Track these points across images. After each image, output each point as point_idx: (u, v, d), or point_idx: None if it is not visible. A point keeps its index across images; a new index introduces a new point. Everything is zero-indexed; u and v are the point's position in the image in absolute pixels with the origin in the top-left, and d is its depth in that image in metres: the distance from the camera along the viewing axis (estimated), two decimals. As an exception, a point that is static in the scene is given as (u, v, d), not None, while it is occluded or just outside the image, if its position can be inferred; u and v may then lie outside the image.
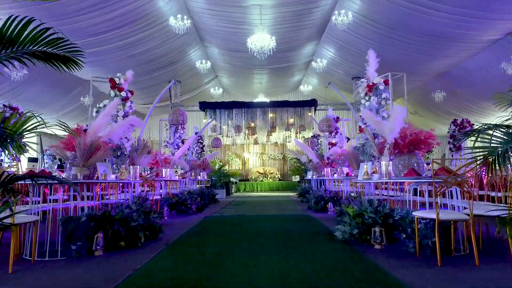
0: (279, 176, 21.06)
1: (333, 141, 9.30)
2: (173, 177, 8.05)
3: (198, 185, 12.74)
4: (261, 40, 11.42)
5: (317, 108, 15.67)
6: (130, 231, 4.36)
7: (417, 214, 3.74)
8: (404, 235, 4.00)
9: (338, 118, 8.85)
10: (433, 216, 3.49)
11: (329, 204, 8.07)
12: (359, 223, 4.37)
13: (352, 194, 6.98)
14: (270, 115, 15.32)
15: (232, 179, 17.32)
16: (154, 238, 4.93)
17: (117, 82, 6.65)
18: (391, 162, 4.35)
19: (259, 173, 21.00)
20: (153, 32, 12.83)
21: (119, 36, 12.22)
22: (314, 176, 11.57)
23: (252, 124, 15.73)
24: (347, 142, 10.46)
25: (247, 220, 7.19)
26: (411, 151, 4.45)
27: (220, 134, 16.15)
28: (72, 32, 11.21)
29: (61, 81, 14.40)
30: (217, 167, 14.56)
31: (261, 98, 18.95)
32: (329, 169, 8.58)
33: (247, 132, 17.07)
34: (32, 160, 18.14)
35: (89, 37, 11.80)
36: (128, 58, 14.35)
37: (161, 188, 8.25)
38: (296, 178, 20.88)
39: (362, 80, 7.11)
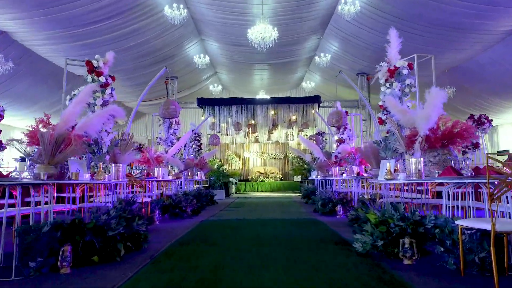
0: (281, 176, 20.29)
1: (341, 138, 8.48)
2: (166, 177, 7.28)
3: (195, 185, 11.98)
4: (263, 31, 10.65)
5: (320, 104, 14.92)
6: (106, 242, 3.59)
7: (462, 223, 2.97)
8: (442, 249, 3.23)
9: (347, 113, 8.07)
10: (486, 226, 2.72)
11: (338, 207, 7.30)
12: (384, 232, 3.59)
13: (365, 196, 6.21)
14: (272, 112, 14.57)
15: (231, 179, 16.55)
16: (137, 249, 4.16)
17: (95, 66, 5.82)
18: (421, 159, 3.57)
19: (260, 173, 20.23)
20: (148, 23, 12.07)
21: (112, 26, 11.46)
22: (319, 176, 10.80)
23: (253, 122, 14.96)
24: (356, 139, 9.65)
25: (248, 225, 6.42)
26: (445, 145, 3.68)
27: (219, 132, 15.39)
28: (62, 21, 10.47)
29: (51, 76, 13.63)
30: (216, 166, 13.80)
31: (262, 96, 18.18)
32: (337, 168, 7.81)
33: (247, 130, 16.31)
34: (22, 159, 17.26)
35: (80, 28, 11.05)
36: (122, 51, 13.56)
37: (154, 189, 7.50)
38: (298, 178, 20.10)
39: (382, 64, 6.27)
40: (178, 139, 9.15)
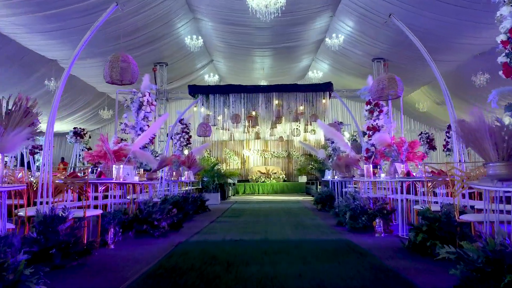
0: (284, 176, 17.96)
1: (375, 126, 6.04)
2: (131, 178, 4.97)
3: (185, 188, 9.67)
4: (266, -5, 8.36)
5: (332, 92, 12.59)
6: None
7: None
8: None
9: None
10: None
11: (377, 221, 4.99)
12: None
13: (426, 208, 3.89)
14: (275, 102, 12.24)
15: (229, 180, 14.22)
16: None
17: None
18: None
19: (261, 173, 17.91)
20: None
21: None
22: (336, 177, 8.50)
23: (253, 113, 12.65)
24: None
25: (247, 254, 4.09)
26: None
27: (215, 125, 13.04)
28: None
29: (17, 58, 11.35)
30: (210, 165, 11.45)
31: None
32: (370, 166, 5.51)
33: (247, 124, 13.97)
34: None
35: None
36: (99, 31, 11.29)
37: (126, 195, 5.21)
38: (303, 179, 17.80)
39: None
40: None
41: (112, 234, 4.39)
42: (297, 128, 14.55)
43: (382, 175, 5.34)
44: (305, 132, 14.71)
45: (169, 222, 5.51)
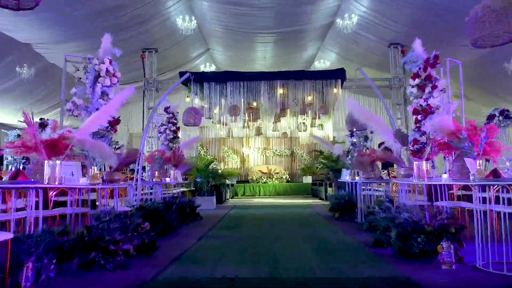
0: (287, 176, 16.21)
1: (425, 107, 4.22)
2: (75, 181, 3.24)
3: (172, 191, 7.95)
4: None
5: (344, 82, 10.89)
6: None
7: None
8: None
9: (437, 57, 4.05)
10: None
11: (445, 245, 3.27)
12: None
13: None
14: (280, 91, 10.53)
15: (227, 181, 12.44)
16: None
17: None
18: None
19: (262, 172, 16.16)
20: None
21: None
22: (357, 177, 6.79)
23: (254, 104, 10.93)
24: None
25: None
26: None
27: (210, 118, 11.33)
28: None
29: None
30: (203, 162, 9.66)
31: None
32: (423, 163, 3.79)
33: (247, 117, 12.24)
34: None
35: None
36: (79, 10, 9.60)
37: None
38: (308, 180, 16.06)
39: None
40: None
41: (30, 271, 2.66)
42: (303, 123, 12.79)
43: (444, 175, 3.62)
44: (312, 127, 12.97)
45: (136, 243, 3.78)
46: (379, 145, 7.32)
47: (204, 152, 16.76)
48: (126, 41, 11.59)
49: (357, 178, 6.86)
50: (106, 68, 3.92)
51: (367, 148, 7.46)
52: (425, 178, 3.85)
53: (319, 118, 11.93)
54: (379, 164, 7.12)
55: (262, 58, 14.97)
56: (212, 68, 15.38)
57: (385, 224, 4.09)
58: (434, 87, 4.12)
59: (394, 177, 6.69)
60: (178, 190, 9.63)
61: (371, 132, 7.29)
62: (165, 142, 7.31)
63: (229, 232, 5.77)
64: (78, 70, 3.95)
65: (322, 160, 9.33)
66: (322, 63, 14.91)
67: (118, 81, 4.03)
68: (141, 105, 12.73)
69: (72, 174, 3.38)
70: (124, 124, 18.05)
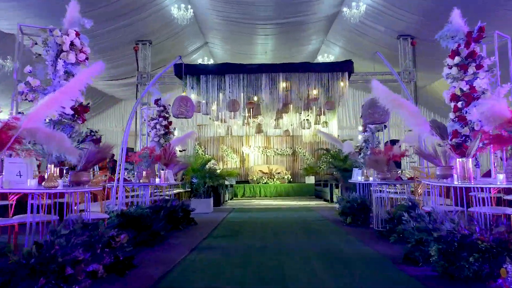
0: (289, 176, 15.37)
1: (467, 91, 3.47)
2: (22, 183, 2.42)
3: (167, 192, 7.16)
4: None
5: (352, 74, 10.08)
6: None
7: None
8: None
9: (483, 29, 3.26)
10: None
11: (508, 268, 2.46)
12: None
13: None
14: (282, 85, 9.71)
15: (226, 182, 11.61)
16: None
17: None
18: None
19: (263, 172, 15.34)
20: None
21: None
22: (372, 178, 5.99)
23: (255, 99, 10.10)
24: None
25: None
26: None
27: (207, 114, 10.49)
28: None
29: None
30: (199, 162, 8.77)
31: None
32: (470, 161, 2.99)
33: (247, 114, 11.41)
34: None
35: None
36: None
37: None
38: (310, 180, 15.25)
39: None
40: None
41: None
42: (307, 119, 11.95)
43: (500, 176, 2.81)
44: (316, 124, 12.14)
45: (108, 261, 2.96)
46: (389, 142, 6.53)
47: (202, 151, 15.95)
48: (117, 31, 10.80)
49: (371, 178, 6.06)
50: (72, 41, 3.10)
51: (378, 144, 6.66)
52: (471, 179, 3.03)
53: (324, 114, 11.11)
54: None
55: (263, 53, 14.16)
56: (211, 61, 14.58)
57: (419, 236, 3.28)
58: (479, 67, 3.31)
59: (413, 178, 5.88)
60: (172, 191, 8.84)
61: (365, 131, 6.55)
62: (155, 138, 6.49)
63: (227, 242, 4.96)
64: (36, 43, 3.13)
65: (329, 159, 8.48)
66: (325, 58, 14.11)
67: (87, 59, 3.22)
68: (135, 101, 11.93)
69: (20, 175, 2.56)
70: (118, 123, 17.28)
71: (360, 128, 6.89)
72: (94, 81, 11.73)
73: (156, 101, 6.64)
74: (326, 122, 12.21)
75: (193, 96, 10.17)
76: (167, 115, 6.67)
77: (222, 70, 9.73)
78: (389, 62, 12.94)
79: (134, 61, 12.06)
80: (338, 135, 14.73)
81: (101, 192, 4.06)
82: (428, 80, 13.24)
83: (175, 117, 6.35)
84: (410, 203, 4.60)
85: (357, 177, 6.63)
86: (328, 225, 6.28)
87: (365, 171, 6.28)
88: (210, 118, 11.46)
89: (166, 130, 6.59)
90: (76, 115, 3.16)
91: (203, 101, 10.04)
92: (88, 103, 3.37)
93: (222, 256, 4.04)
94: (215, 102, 10.15)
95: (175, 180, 6.39)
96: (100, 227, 3.11)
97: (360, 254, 3.94)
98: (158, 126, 6.50)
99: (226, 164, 16.17)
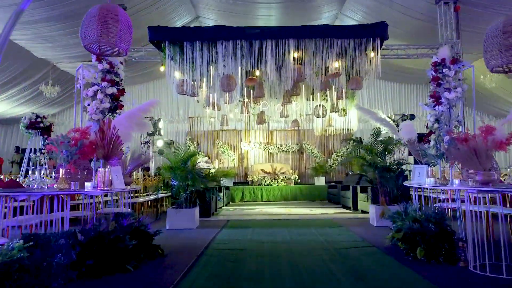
0: (296, 177, 12.81)
1: None
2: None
3: (141, 199, 4.63)
4: None
5: (384, 42, 7.52)
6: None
7: None
8: None
9: None
10: None
11: None
12: None
13: None
14: (293, 55, 7.14)
15: (223, 182, 8.95)
16: None
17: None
18: None
19: (265, 172, 12.77)
20: None
21: None
22: (458, 182, 3.47)
23: (257, 74, 7.56)
24: None
25: None
26: None
27: (194, 95, 7.91)
28: None
29: None
30: (179, 157, 6.05)
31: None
32: None
33: (245, 96, 8.82)
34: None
35: None
36: None
37: None
38: (319, 181, 12.74)
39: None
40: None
41: None
42: (322, 105, 9.33)
43: None
44: (331, 111, 9.57)
45: None
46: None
47: (195, 147, 13.41)
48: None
49: (456, 182, 3.52)
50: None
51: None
52: None
53: (345, 98, 8.52)
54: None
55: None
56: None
57: None
58: None
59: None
60: (150, 198, 6.34)
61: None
62: (94, 116, 3.93)
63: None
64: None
65: (363, 153, 5.92)
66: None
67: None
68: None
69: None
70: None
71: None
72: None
73: (98, 56, 4.09)
74: (344, 110, 9.63)
75: (177, 74, 7.63)
76: (116, 79, 4.13)
77: (213, 36, 7.16)
78: (423, 37, 10.41)
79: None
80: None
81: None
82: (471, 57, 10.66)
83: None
84: None
85: (421, 178, 4.08)
86: (384, 261, 3.70)
87: (442, 170, 3.74)
88: (198, 101, 8.87)
89: (115, 103, 4.06)
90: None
91: (189, 79, 7.48)
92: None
93: None
94: (205, 80, 7.61)
95: (128, 182, 3.83)
96: None
97: None
98: (100, 96, 3.95)
99: (222, 162, 13.63)
